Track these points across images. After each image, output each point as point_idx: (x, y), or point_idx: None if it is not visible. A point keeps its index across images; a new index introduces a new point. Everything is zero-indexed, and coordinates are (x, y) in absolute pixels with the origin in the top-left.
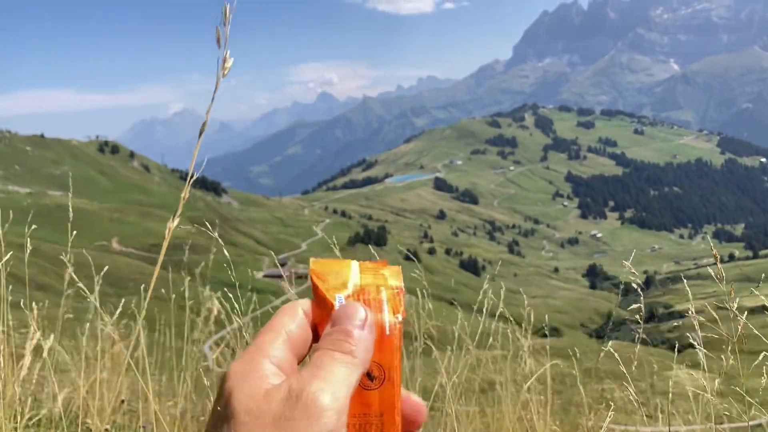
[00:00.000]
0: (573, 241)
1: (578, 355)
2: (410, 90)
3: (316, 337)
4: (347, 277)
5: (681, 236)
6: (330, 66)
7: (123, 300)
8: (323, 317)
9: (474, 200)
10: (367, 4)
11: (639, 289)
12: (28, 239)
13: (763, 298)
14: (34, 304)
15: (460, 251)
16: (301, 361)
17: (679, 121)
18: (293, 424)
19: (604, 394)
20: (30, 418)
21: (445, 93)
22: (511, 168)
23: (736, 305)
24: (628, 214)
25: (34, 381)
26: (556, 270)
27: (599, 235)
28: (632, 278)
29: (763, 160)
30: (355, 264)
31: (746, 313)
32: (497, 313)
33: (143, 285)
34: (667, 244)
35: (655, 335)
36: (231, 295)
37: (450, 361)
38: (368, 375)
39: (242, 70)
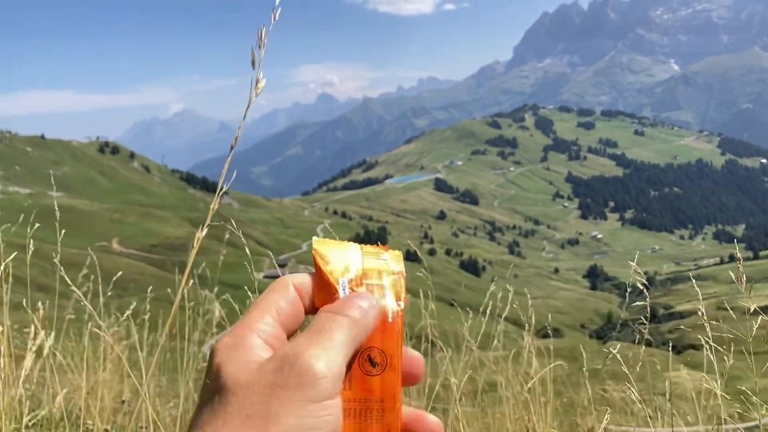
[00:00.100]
0: (573, 242)
1: (584, 356)
2: (411, 91)
3: (313, 312)
4: (350, 260)
5: (681, 237)
6: (330, 67)
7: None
8: (326, 300)
9: (474, 201)
10: (368, 5)
11: (645, 290)
12: (31, 240)
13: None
14: (39, 304)
15: (460, 252)
16: (292, 336)
17: (680, 122)
18: (287, 393)
19: (605, 395)
20: (31, 419)
21: (446, 94)
22: (512, 169)
23: (753, 306)
24: (629, 214)
25: (35, 381)
26: (557, 271)
27: (599, 235)
28: (638, 278)
29: (764, 160)
30: (357, 247)
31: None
32: (503, 315)
33: (150, 287)
34: (667, 244)
35: (655, 336)
36: (229, 296)
37: (451, 362)
38: (370, 361)
39: (242, 71)
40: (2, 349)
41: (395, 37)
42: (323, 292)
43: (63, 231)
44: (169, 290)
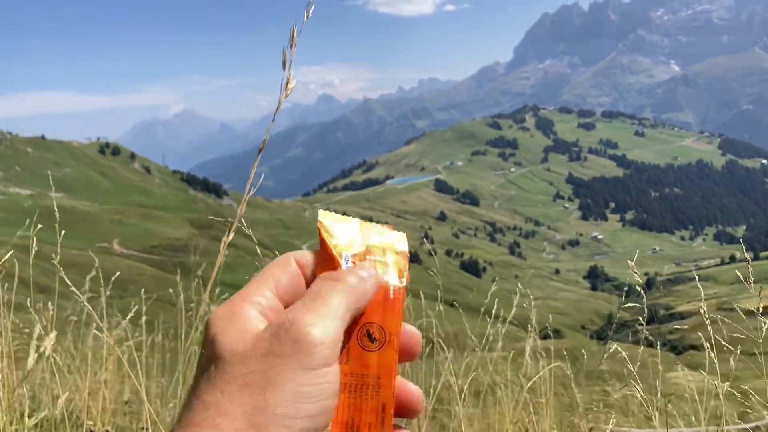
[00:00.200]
0: (574, 243)
1: (585, 356)
2: (411, 92)
3: None
4: (355, 235)
5: (682, 238)
6: (331, 68)
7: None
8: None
9: (475, 202)
10: (368, 6)
11: (642, 290)
12: (33, 239)
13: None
14: (49, 305)
15: (460, 253)
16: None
17: (680, 123)
18: (284, 361)
19: (606, 395)
20: (32, 420)
21: (446, 94)
22: (512, 169)
23: (762, 307)
24: (629, 215)
25: (37, 382)
26: (557, 271)
27: (600, 236)
28: (635, 278)
29: (764, 161)
30: (362, 223)
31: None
32: (508, 317)
33: (143, 289)
34: (667, 245)
35: (656, 337)
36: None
37: (453, 363)
38: (369, 336)
39: (242, 71)
40: (3, 350)
41: (396, 38)
42: (326, 265)
43: (63, 232)
44: (170, 290)
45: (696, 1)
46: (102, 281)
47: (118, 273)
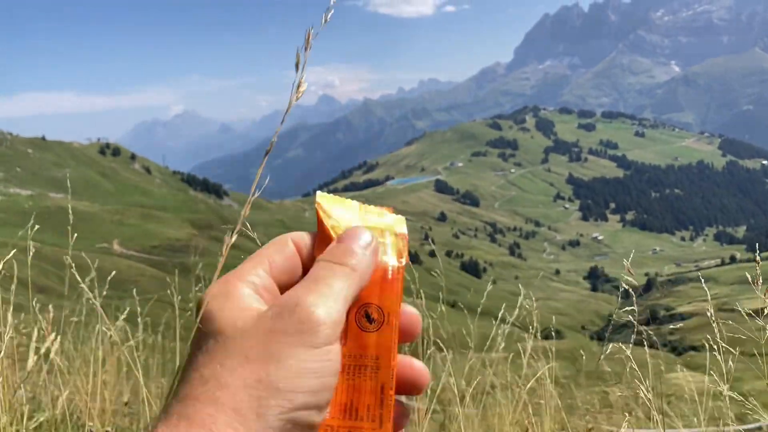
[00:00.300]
0: (574, 244)
1: (584, 357)
2: (411, 92)
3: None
4: (353, 216)
5: (682, 238)
6: (331, 69)
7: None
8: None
9: (475, 202)
10: (368, 7)
11: (636, 291)
12: (30, 241)
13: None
14: (50, 306)
15: (461, 253)
16: (287, 290)
17: (680, 123)
18: (287, 338)
19: (606, 396)
20: (33, 422)
21: (447, 95)
22: (512, 170)
23: (767, 308)
24: (629, 216)
25: (40, 383)
26: (558, 272)
27: (600, 237)
28: (629, 279)
29: (765, 162)
30: (361, 206)
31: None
32: (511, 318)
33: (136, 289)
34: (668, 246)
35: (656, 337)
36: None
37: (453, 363)
38: (367, 317)
39: (243, 72)
40: (4, 351)
41: (396, 39)
42: (324, 246)
43: (75, 235)
44: (168, 292)
45: (696, 2)
46: (96, 282)
47: (113, 272)
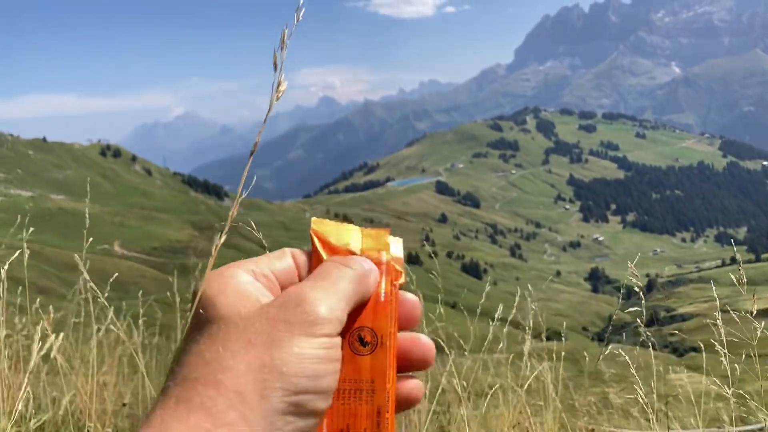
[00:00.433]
0: (575, 245)
1: (587, 359)
2: (412, 94)
3: None
4: (348, 241)
5: (683, 239)
6: (332, 70)
7: (130, 304)
8: None
9: (476, 204)
10: (368, 8)
11: (641, 292)
12: (25, 243)
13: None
14: (51, 307)
15: (461, 254)
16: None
17: (681, 124)
18: (291, 327)
19: (605, 397)
20: (35, 423)
21: (447, 97)
22: (513, 171)
23: (755, 310)
24: (630, 217)
25: (40, 385)
26: (558, 273)
27: (601, 238)
28: (634, 281)
29: (766, 163)
30: (356, 229)
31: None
32: (508, 317)
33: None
34: (669, 247)
35: (657, 339)
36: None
37: (454, 364)
38: (361, 340)
39: (243, 74)
40: (6, 352)
41: (396, 40)
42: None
43: (91, 239)
44: (168, 293)
45: (697, 3)
46: (88, 283)
47: (116, 275)
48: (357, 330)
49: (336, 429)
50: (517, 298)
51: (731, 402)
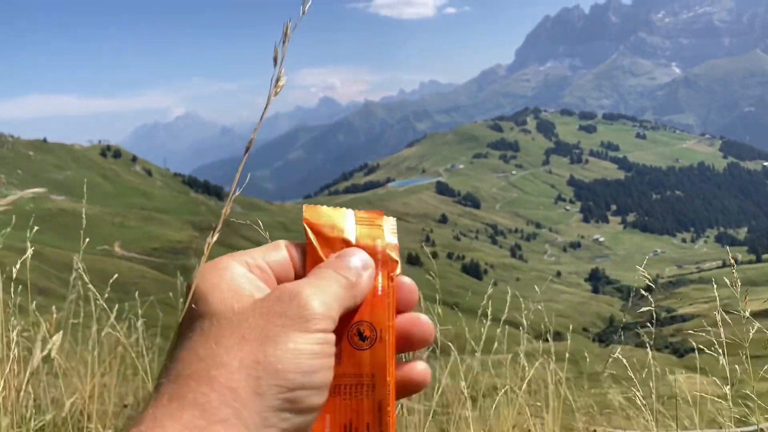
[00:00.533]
0: (575, 245)
1: (587, 360)
2: (412, 94)
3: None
4: (342, 231)
5: (683, 240)
6: (332, 70)
7: (125, 304)
8: None
9: (476, 204)
10: (369, 9)
11: (648, 295)
12: (28, 243)
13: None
14: (53, 308)
15: (462, 255)
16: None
17: (681, 125)
18: (285, 321)
19: (606, 397)
20: (36, 424)
21: (447, 97)
22: (513, 172)
23: (749, 310)
24: (631, 218)
25: (41, 386)
26: (559, 274)
27: (601, 239)
28: (646, 281)
29: (766, 163)
30: (350, 214)
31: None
32: (503, 317)
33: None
34: (669, 248)
35: (657, 339)
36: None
37: (450, 366)
38: (360, 335)
39: (244, 74)
40: (7, 353)
41: (397, 41)
42: (314, 265)
43: (87, 240)
44: (171, 294)
45: (697, 4)
46: (86, 285)
47: (116, 275)
48: (356, 325)
49: (339, 424)
50: (508, 298)
51: (730, 403)
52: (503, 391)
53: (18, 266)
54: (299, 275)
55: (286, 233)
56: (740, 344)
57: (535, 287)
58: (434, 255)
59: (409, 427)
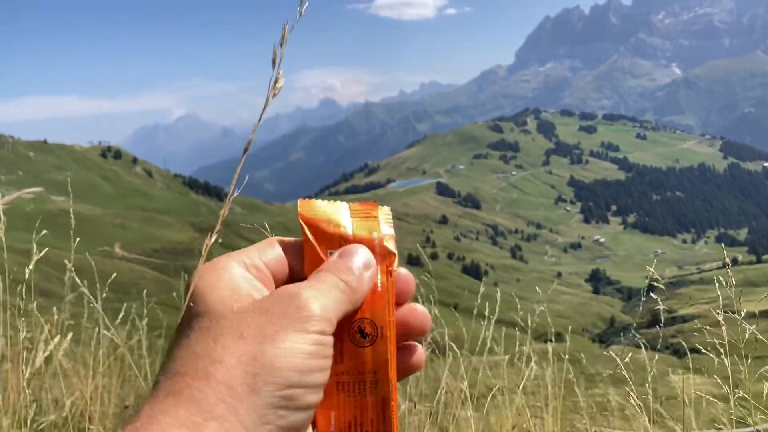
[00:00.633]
0: (576, 246)
1: (583, 360)
2: (412, 95)
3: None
4: (339, 225)
5: (684, 241)
6: (332, 71)
7: (125, 305)
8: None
9: (476, 205)
10: (369, 10)
11: (657, 297)
12: (34, 245)
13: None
14: (54, 309)
15: (462, 256)
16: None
17: (682, 126)
18: (284, 320)
19: (606, 398)
20: (38, 425)
21: (448, 98)
22: (514, 173)
23: (744, 312)
24: (631, 218)
25: (42, 387)
26: (559, 275)
27: (602, 239)
28: (653, 282)
29: (766, 164)
30: (345, 207)
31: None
32: (495, 317)
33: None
34: (669, 248)
35: (658, 340)
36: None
37: (452, 366)
38: (361, 332)
39: (244, 76)
40: (6, 354)
41: (397, 42)
42: (311, 262)
43: (77, 240)
44: (174, 294)
45: (697, 4)
46: (78, 284)
47: (114, 274)
48: (357, 322)
49: (343, 422)
50: (499, 298)
51: (732, 404)
52: (499, 390)
53: (31, 267)
54: (295, 272)
55: (287, 234)
56: (740, 345)
57: (536, 288)
58: (434, 256)
59: (409, 427)
